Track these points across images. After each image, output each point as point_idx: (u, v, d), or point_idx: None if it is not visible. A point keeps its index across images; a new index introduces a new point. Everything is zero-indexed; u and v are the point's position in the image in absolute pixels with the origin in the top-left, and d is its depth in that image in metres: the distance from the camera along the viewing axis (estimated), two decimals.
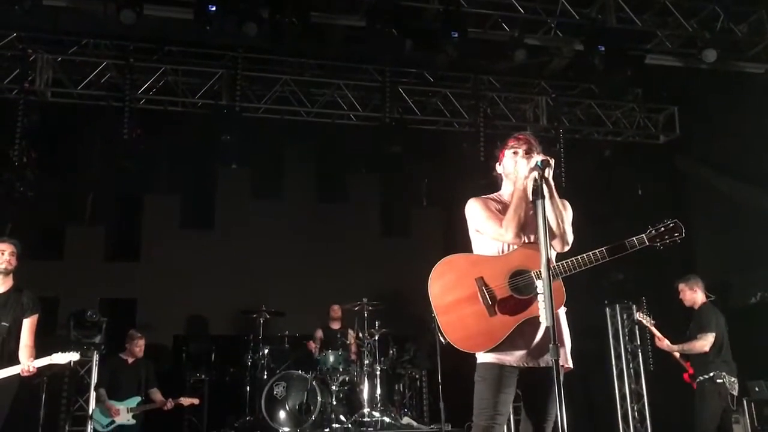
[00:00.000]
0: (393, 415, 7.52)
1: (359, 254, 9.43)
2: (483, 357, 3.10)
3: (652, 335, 6.48)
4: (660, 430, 8.50)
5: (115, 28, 7.61)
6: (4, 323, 4.75)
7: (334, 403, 7.43)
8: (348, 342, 8.13)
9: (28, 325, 4.87)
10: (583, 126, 9.78)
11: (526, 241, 3.15)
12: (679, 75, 8.61)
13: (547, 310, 2.69)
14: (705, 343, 5.89)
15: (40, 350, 4.89)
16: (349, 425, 7.22)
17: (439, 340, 6.15)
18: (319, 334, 8.41)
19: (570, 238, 3.20)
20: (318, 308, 8.68)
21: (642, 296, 8.38)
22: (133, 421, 7.14)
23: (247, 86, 8.75)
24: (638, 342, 8.71)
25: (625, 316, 8.79)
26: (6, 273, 4.86)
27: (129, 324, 7.92)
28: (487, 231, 3.22)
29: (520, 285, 3.02)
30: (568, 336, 3.20)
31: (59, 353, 4.78)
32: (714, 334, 5.91)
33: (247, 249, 9.26)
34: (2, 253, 4.84)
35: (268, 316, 8.01)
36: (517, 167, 3.17)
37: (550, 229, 3.08)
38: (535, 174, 2.92)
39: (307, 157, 9.88)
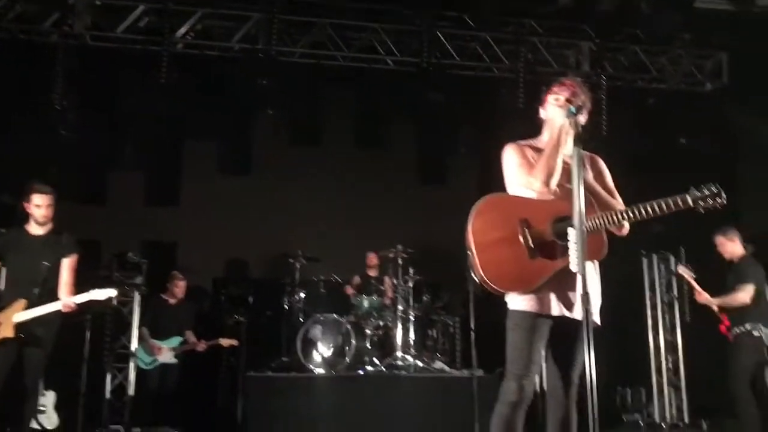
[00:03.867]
0: (425, 359, 7.63)
1: (395, 201, 9.41)
2: (517, 305, 3.09)
3: (691, 287, 6.40)
4: (694, 382, 8.48)
5: None
6: (45, 263, 4.93)
7: (368, 346, 7.56)
8: (383, 288, 8.20)
9: (67, 264, 5.07)
10: (626, 73, 9.49)
11: (558, 191, 3.10)
12: (729, 19, 8.27)
13: (579, 258, 2.64)
14: (746, 294, 5.80)
15: (83, 291, 5.06)
16: (383, 368, 7.35)
17: (473, 285, 6.18)
18: (357, 280, 8.53)
19: (611, 201, 3.18)
20: (353, 254, 8.76)
21: (680, 246, 8.26)
22: (174, 360, 7.40)
23: (283, 30, 8.66)
24: (675, 293, 8.63)
25: (662, 267, 8.70)
26: (44, 224, 5.04)
27: (170, 266, 8.11)
28: (518, 179, 3.19)
29: (563, 231, 2.92)
30: (599, 292, 3.17)
31: (97, 289, 4.94)
32: (754, 286, 5.81)
33: (284, 194, 9.32)
34: (39, 208, 5.01)
35: (304, 261, 8.12)
36: (554, 115, 3.13)
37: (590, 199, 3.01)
38: (569, 122, 2.89)
39: (343, 103, 9.79)
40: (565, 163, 3.12)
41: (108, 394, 7.31)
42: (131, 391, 7.30)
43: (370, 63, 9.10)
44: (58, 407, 6.51)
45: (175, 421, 7.15)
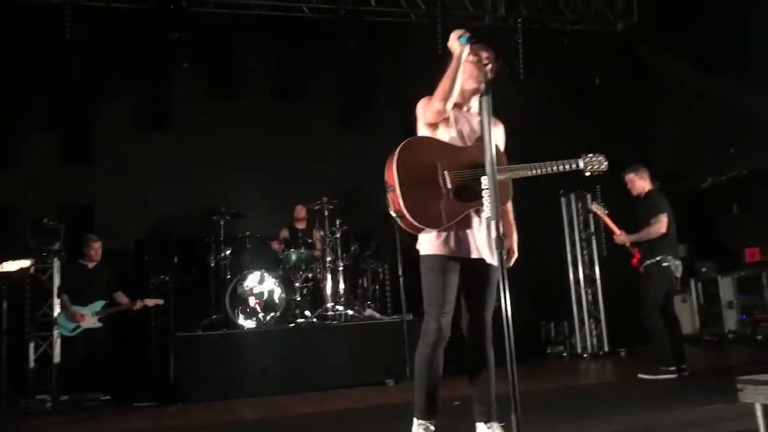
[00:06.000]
0: (356, 308, 7.74)
1: (318, 152, 9.30)
2: (427, 249, 3.27)
3: (607, 228, 6.62)
4: (612, 312, 8.91)
5: None
6: None
7: (298, 299, 7.61)
8: (310, 241, 8.21)
9: None
10: (541, 15, 9.59)
11: (468, 141, 3.32)
12: None
13: (493, 205, 2.83)
14: (660, 225, 6.01)
15: None
16: (314, 319, 7.43)
17: (400, 233, 6.34)
18: (284, 233, 8.48)
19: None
20: (278, 208, 8.72)
21: (596, 185, 8.55)
22: (99, 325, 7.24)
23: None
24: (592, 229, 8.97)
25: (579, 205, 9.01)
26: None
27: (88, 230, 7.84)
28: (426, 116, 3.33)
29: (477, 177, 3.13)
30: (514, 233, 3.44)
31: (10, 261, 4.77)
32: (666, 215, 6.06)
33: (205, 150, 9.09)
34: None
35: (228, 218, 8.03)
36: (453, 46, 3.27)
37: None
38: (466, 49, 3.20)
39: (261, 53, 9.52)
40: (471, 116, 3.41)
41: (32, 364, 7.15)
42: (57, 358, 7.16)
43: (286, 11, 8.91)
44: None
45: (106, 386, 7.05)
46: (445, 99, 3.23)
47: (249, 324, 7.19)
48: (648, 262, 6.12)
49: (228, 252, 7.83)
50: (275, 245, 8.36)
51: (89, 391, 6.93)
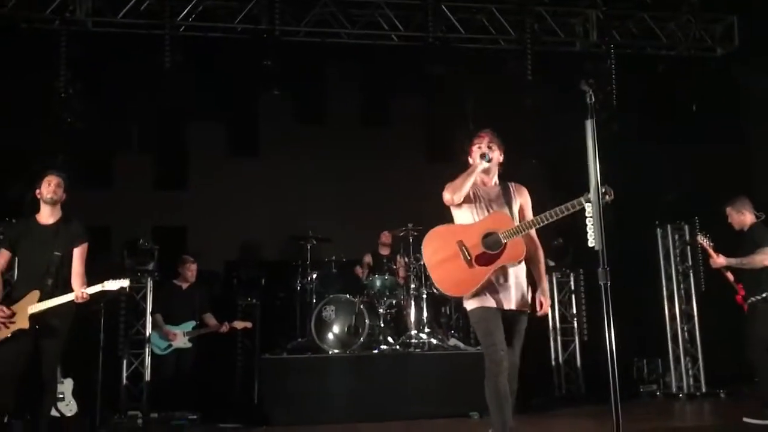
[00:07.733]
0: (440, 336, 7.62)
1: (404, 178, 9.29)
2: (470, 305, 4.01)
3: (707, 254, 6.31)
4: (710, 351, 8.45)
5: None
6: (56, 253, 4.93)
7: (382, 325, 7.56)
8: (395, 267, 8.17)
9: (78, 253, 5.05)
10: (635, 40, 9.33)
11: (489, 210, 4.05)
12: None
13: (596, 233, 3.11)
14: (764, 257, 5.72)
15: (95, 278, 5.05)
16: (397, 346, 7.35)
17: None
18: (368, 259, 8.50)
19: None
20: (363, 233, 8.74)
21: (695, 216, 8.17)
22: (189, 345, 7.43)
23: (285, 9, 8.56)
24: (689, 263, 8.56)
25: (676, 237, 8.62)
26: (53, 203, 5.01)
27: (180, 251, 8.10)
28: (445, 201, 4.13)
29: (491, 243, 3.91)
30: (525, 281, 4.09)
31: (111, 280, 4.94)
32: None
33: (293, 175, 9.29)
34: (48, 184, 4.98)
35: (315, 242, 8.11)
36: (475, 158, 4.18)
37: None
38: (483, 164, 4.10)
39: (349, 80, 9.71)
40: (491, 189, 4.16)
41: (125, 380, 7.37)
42: (148, 376, 7.34)
43: (375, 39, 8.99)
44: (77, 394, 6.55)
45: (193, 405, 7.18)
46: (454, 193, 4.00)
47: (334, 349, 7.17)
48: (753, 298, 5.81)
49: (314, 276, 7.89)
50: (359, 270, 8.37)
51: (177, 410, 7.07)
